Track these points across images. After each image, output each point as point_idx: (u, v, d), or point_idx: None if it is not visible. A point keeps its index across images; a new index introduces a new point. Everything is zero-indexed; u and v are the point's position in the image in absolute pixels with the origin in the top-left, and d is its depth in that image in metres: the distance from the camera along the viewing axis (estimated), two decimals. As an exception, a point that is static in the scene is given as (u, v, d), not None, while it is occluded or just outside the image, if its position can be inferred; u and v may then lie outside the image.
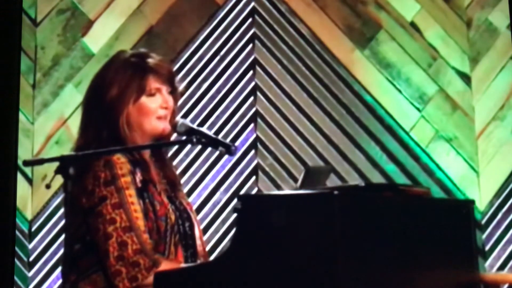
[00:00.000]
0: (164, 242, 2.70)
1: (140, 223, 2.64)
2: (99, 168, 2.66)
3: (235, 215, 2.51)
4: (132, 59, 2.82)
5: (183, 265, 2.70)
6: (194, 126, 2.78)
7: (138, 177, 2.71)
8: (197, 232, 2.84)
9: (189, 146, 4.48)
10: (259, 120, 4.78)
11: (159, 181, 2.82)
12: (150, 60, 2.82)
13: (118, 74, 2.78)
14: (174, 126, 2.79)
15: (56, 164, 2.52)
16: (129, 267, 2.58)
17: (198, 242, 2.83)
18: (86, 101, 2.85)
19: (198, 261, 2.80)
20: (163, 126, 2.79)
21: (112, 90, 2.76)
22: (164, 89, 2.82)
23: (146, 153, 2.83)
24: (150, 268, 2.58)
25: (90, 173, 2.67)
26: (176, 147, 4.59)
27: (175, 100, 2.86)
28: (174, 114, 2.84)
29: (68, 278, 2.65)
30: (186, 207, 2.86)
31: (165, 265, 2.61)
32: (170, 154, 4.50)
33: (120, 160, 2.68)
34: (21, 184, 4.64)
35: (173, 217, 2.74)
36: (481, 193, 4.76)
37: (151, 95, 2.79)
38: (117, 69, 2.79)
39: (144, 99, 2.78)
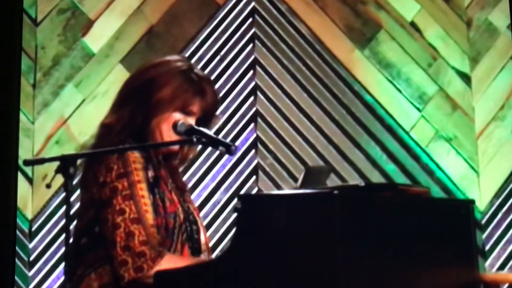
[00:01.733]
0: (171, 239, 2.71)
1: (149, 216, 2.65)
2: (112, 160, 2.68)
3: (235, 214, 2.52)
4: (193, 76, 2.83)
5: (189, 259, 2.70)
6: (194, 125, 2.80)
7: (150, 173, 2.73)
8: (202, 237, 2.85)
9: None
10: (259, 120, 4.79)
11: (170, 182, 2.83)
12: (206, 86, 2.85)
13: (175, 80, 2.80)
14: (174, 126, 2.80)
15: (56, 164, 2.52)
16: (135, 257, 2.59)
17: (204, 247, 2.84)
18: (134, 84, 2.84)
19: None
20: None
21: (165, 91, 2.78)
22: (197, 115, 2.84)
23: (159, 155, 2.84)
24: (155, 259, 2.59)
25: (102, 164, 2.69)
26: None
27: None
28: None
29: (73, 273, 2.66)
30: (193, 212, 2.87)
31: (169, 258, 2.61)
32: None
33: (134, 154, 2.70)
34: (22, 184, 4.64)
35: (182, 215, 2.75)
36: (481, 193, 4.77)
37: (186, 114, 2.81)
38: (177, 75, 2.81)
39: (178, 114, 2.80)
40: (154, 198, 2.70)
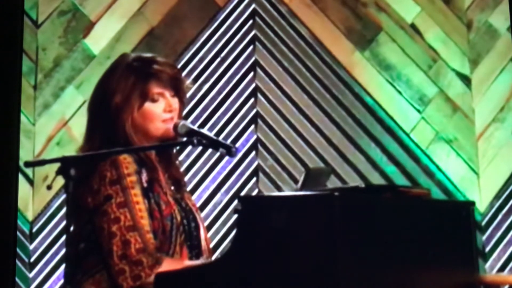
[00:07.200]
0: (169, 242, 2.71)
1: (144, 222, 2.65)
2: (105, 167, 2.68)
3: (235, 216, 2.52)
4: (134, 64, 2.82)
5: (186, 262, 2.71)
6: (195, 127, 2.80)
7: (144, 177, 2.73)
8: (202, 234, 2.85)
9: (190, 147, 4.48)
10: (259, 121, 4.79)
11: (165, 181, 2.84)
12: (152, 65, 2.82)
13: (121, 81, 2.79)
14: (175, 128, 2.80)
15: (57, 165, 2.53)
16: (132, 266, 2.60)
17: (203, 243, 2.84)
18: (91, 107, 2.86)
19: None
20: (168, 128, 2.81)
21: (116, 97, 2.77)
22: (167, 93, 2.83)
23: (152, 154, 2.84)
24: (153, 266, 2.60)
25: (96, 172, 2.69)
26: (177, 148, 4.59)
27: (181, 101, 2.87)
28: (180, 115, 2.86)
29: (72, 278, 2.66)
30: (192, 208, 2.87)
31: (167, 263, 2.62)
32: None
33: (126, 160, 2.70)
34: (22, 185, 4.65)
35: (179, 217, 2.75)
36: (481, 194, 4.77)
37: (154, 100, 2.80)
38: (120, 75, 2.80)
39: (147, 105, 2.80)
40: (149, 203, 2.70)
